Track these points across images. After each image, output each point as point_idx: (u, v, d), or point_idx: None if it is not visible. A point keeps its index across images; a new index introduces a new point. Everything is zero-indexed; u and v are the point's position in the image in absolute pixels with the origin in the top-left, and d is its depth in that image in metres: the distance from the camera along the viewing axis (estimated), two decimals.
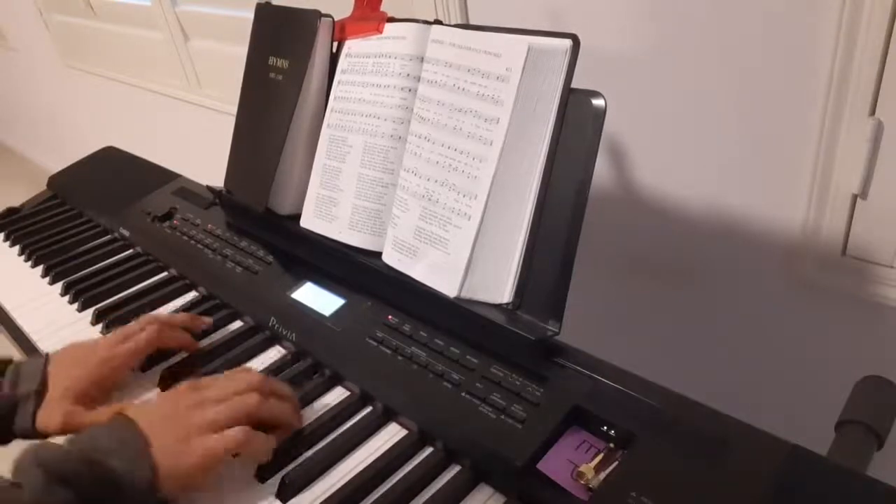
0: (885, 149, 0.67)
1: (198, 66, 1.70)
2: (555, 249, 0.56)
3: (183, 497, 0.53)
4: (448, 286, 0.61)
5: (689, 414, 0.50)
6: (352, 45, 0.72)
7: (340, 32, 0.74)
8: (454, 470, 0.54)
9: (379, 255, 0.68)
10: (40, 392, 0.62)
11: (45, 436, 0.62)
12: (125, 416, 0.53)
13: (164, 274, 0.86)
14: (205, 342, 0.72)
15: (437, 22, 0.64)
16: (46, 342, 0.76)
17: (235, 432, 0.53)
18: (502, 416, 0.53)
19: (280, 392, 0.59)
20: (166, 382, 0.66)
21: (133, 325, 0.69)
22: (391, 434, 0.58)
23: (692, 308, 0.93)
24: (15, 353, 0.79)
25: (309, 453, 0.56)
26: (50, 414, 0.61)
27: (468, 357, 0.58)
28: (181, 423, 0.53)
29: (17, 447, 0.54)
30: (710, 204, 0.83)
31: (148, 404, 0.57)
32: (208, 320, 0.73)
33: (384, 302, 0.66)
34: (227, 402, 0.55)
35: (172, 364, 0.68)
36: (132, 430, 0.52)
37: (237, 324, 0.74)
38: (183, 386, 0.57)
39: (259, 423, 0.55)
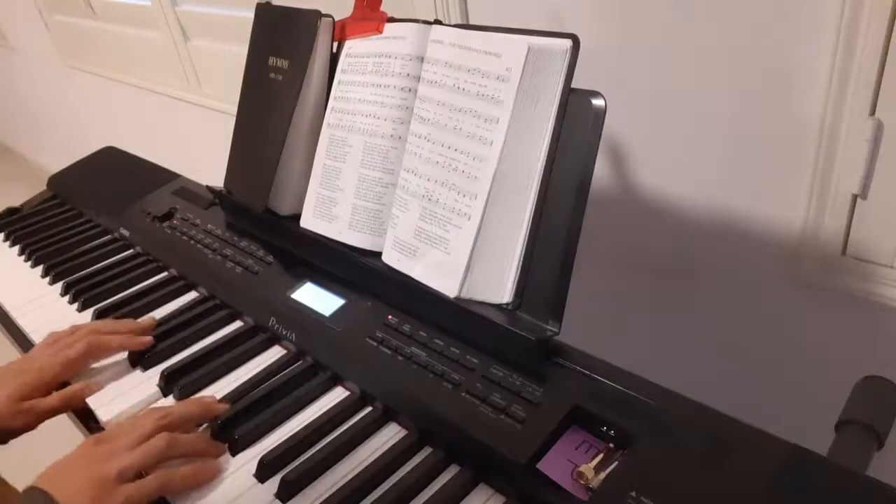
0: (885, 149, 0.66)
1: (198, 66, 1.70)
2: (555, 249, 0.56)
3: (179, 498, 0.54)
4: (448, 286, 0.61)
5: (689, 414, 0.50)
6: (352, 45, 0.72)
7: (341, 32, 0.74)
8: (454, 470, 0.54)
9: (379, 255, 0.68)
10: None
11: (16, 433, 0.63)
12: (42, 493, 0.51)
13: (164, 274, 0.86)
14: (205, 343, 0.72)
15: (437, 22, 0.64)
16: None
17: (150, 480, 0.54)
18: (502, 416, 0.53)
19: (189, 417, 0.60)
20: (168, 382, 0.66)
21: (64, 335, 0.70)
22: (391, 434, 0.58)
23: (692, 308, 0.93)
24: (15, 353, 0.79)
25: (309, 453, 0.56)
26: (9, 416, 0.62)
27: (468, 357, 0.58)
28: (98, 484, 0.52)
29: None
30: (710, 204, 0.83)
31: (60, 469, 0.55)
32: (148, 340, 0.71)
33: (384, 302, 0.66)
34: (137, 450, 0.55)
35: (173, 364, 0.68)
36: None
37: (237, 324, 0.74)
38: (89, 441, 0.57)
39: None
